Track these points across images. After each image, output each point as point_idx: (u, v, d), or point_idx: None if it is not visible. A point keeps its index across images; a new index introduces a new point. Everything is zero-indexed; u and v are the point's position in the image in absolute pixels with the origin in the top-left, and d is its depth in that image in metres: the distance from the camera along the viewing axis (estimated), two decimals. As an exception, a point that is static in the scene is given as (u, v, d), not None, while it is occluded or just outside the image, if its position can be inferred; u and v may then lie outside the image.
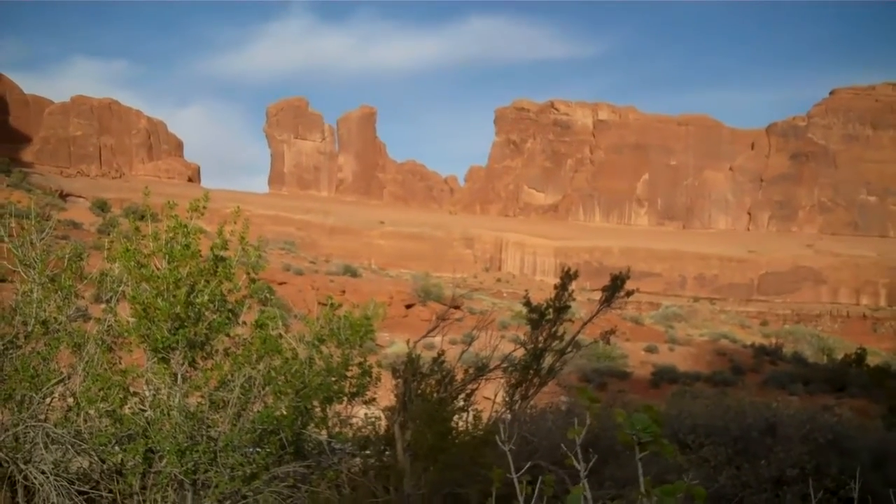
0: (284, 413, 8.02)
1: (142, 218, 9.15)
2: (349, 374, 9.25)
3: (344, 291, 56.35)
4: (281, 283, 55.53)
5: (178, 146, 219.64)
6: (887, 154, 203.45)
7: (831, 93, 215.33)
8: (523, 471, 4.00)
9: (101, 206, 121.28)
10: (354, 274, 71.66)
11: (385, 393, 10.17)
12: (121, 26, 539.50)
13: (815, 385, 42.71)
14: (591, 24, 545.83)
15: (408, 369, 9.10)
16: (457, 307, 55.91)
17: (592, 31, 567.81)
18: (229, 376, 8.04)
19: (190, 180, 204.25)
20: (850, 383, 43.63)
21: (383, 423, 9.36)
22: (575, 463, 3.58)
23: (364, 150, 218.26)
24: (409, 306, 57.28)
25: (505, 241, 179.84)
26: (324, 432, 8.91)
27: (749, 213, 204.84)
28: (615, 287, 10.65)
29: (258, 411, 7.93)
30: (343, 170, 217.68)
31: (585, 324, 10.62)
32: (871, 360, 57.55)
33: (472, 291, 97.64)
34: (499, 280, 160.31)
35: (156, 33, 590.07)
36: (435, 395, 9.17)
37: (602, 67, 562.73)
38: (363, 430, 9.33)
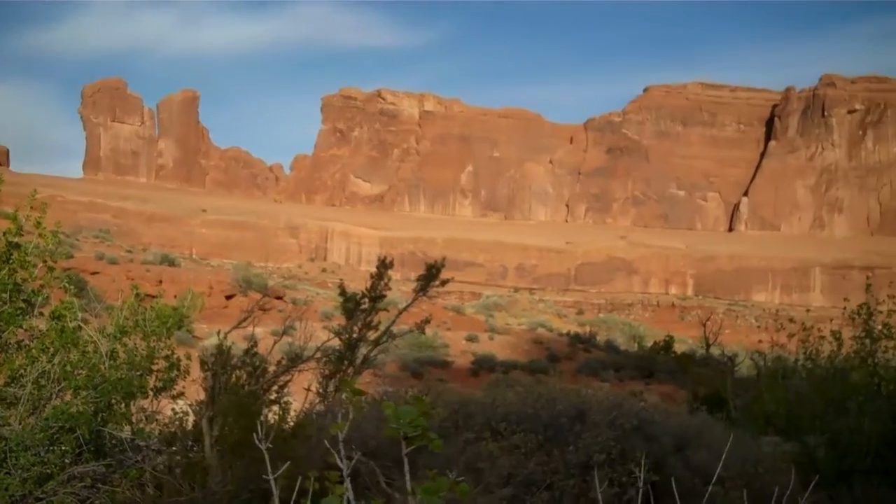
0: (81, 409, 7.61)
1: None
2: (155, 367, 8.89)
3: (161, 281, 54.59)
4: (94, 273, 53.31)
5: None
6: (696, 150, 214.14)
7: (645, 90, 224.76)
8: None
9: None
10: (173, 263, 69.46)
11: (196, 387, 9.84)
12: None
13: (625, 372, 44.41)
14: (419, 15, 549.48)
15: (217, 361, 8.81)
16: (279, 297, 55.17)
17: (420, 22, 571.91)
18: (21, 371, 7.56)
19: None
20: (659, 370, 45.58)
21: (191, 418, 9.04)
22: (337, 461, 3.46)
23: (186, 136, 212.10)
24: (229, 297, 56.03)
25: (331, 231, 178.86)
26: (127, 429, 8.52)
27: (567, 206, 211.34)
28: (430, 276, 10.68)
29: (53, 408, 7.49)
30: (163, 155, 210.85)
31: (401, 312, 10.60)
32: (679, 348, 60.31)
33: (296, 281, 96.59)
34: (324, 270, 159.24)
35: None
36: (246, 387, 8.93)
37: (429, 58, 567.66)
38: (170, 425, 8.98)
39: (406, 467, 3.37)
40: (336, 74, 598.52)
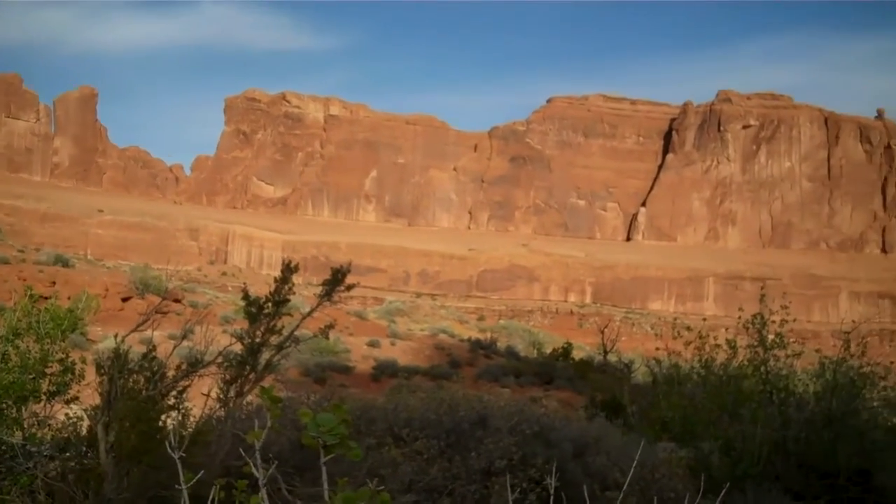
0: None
1: None
2: (49, 371, 8.62)
3: (54, 283, 52.90)
4: (-18, 273, 51.40)
5: None
6: (596, 161, 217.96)
7: (549, 101, 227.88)
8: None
9: None
10: (67, 264, 67.41)
11: (91, 391, 9.57)
12: None
13: (525, 378, 44.78)
14: (327, 18, 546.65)
15: (114, 365, 8.57)
16: (177, 300, 54.05)
17: (328, 25, 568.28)
18: None
19: None
20: (558, 376, 46.14)
21: (86, 423, 8.78)
22: (253, 470, 3.40)
23: (83, 134, 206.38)
24: (125, 299, 54.64)
25: (231, 234, 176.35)
26: (18, 434, 8.23)
27: (470, 213, 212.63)
28: (335, 281, 10.60)
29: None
30: (59, 153, 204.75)
31: (305, 317, 10.49)
32: (577, 354, 61.23)
33: (195, 285, 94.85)
34: (224, 273, 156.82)
35: None
36: (143, 392, 8.71)
37: (336, 62, 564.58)
38: (63, 431, 8.70)
39: (324, 476, 3.32)
40: (240, 76, 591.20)
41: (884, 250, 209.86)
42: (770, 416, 12.36)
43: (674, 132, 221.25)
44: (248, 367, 9.93)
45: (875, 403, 13.17)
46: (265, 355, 10.33)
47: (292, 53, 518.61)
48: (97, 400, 8.77)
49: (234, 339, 10.33)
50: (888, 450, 12.46)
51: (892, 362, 14.44)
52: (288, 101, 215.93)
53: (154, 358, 9.09)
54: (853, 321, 13.70)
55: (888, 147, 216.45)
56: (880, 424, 13.03)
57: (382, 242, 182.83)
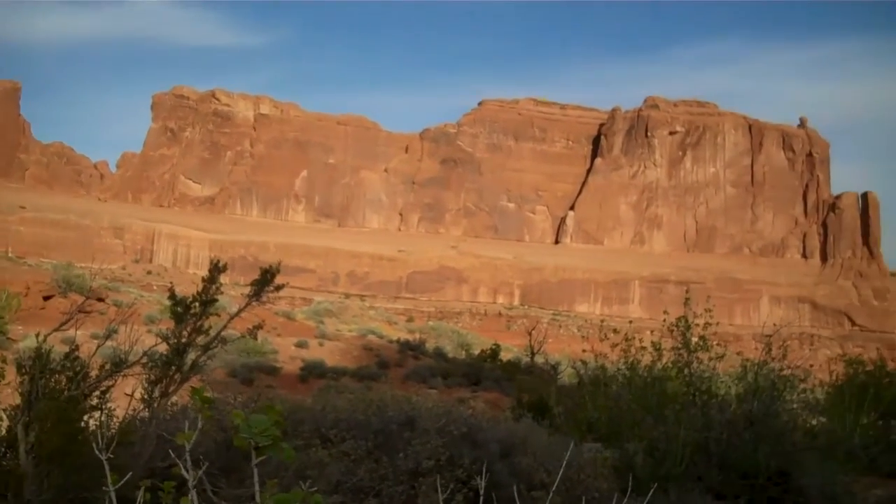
0: None
1: None
2: (-34, 370, 8.40)
3: (-28, 280, 51.51)
4: None
5: None
6: (526, 164, 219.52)
7: (480, 103, 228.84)
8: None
9: None
10: (-14, 261, 65.79)
11: (10, 391, 9.35)
12: None
13: (453, 379, 44.90)
14: (258, 15, 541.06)
15: (35, 365, 8.40)
16: (101, 299, 53.04)
17: (259, 23, 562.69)
18: None
19: None
20: (485, 377, 46.36)
21: (5, 423, 8.58)
22: (183, 471, 3.35)
23: (5, 128, 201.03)
24: (47, 298, 53.44)
25: (157, 233, 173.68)
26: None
27: (401, 214, 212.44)
28: (264, 281, 10.52)
29: None
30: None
31: (232, 318, 10.40)
32: (505, 355, 61.65)
33: (119, 284, 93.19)
34: (149, 272, 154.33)
35: None
36: (66, 392, 8.55)
37: (267, 61, 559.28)
38: (-19, 432, 8.49)
39: (256, 477, 3.29)
40: (168, 72, 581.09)
41: (804, 256, 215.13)
42: (693, 418, 12.58)
43: (602, 137, 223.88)
44: (173, 368, 9.80)
45: (795, 405, 13.49)
46: (191, 356, 10.21)
47: (222, 50, 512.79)
48: (17, 400, 8.58)
49: (159, 339, 10.19)
50: (807, 451, 12.78)
51: (811, 365, 14.81)
52: (217, 99, 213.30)
53: (77, 358, 8.93)
54: (774, 325, 14.01)
55: (810, 155, 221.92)
56: (799, 426, 13.35)
57: (312, 243, 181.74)
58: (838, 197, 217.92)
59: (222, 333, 10.58)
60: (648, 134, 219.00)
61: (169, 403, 9.83)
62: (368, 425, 10.50)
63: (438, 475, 8.75)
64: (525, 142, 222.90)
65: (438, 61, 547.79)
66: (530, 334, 55.17)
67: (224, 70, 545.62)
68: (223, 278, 10.74)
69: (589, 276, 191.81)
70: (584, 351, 15.67)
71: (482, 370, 49.02)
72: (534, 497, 9.22)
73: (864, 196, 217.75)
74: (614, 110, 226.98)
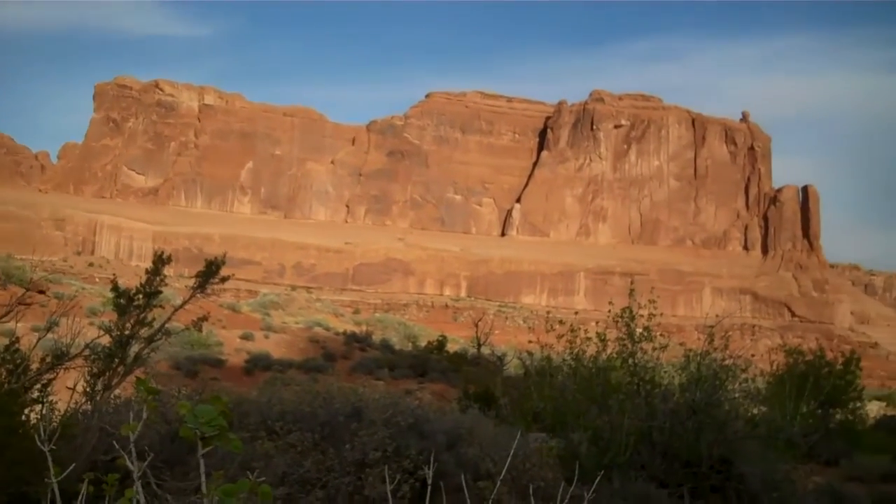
0: None
1: None
2: None
3: None
4: None
5: None
6: (473, 157, 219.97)
7: (427, 96, 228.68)
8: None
9: None
10: (-79, 253, 64.28)
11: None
12: None
13: (400, 371, 44.89)
14: (202, 6, 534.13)
15: (-26, 358, 8.25)
16: (41, 292, 52.11)
17: (203, 12, 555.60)
18: None
19: None
20: (432, 368, 46.42)
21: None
22: (128, 463, 3.31)
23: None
24: (-15, 290, 52.40)
25: (100, 224, 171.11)
26: None
27: (347, 206, 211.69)
28: (209, 273, 10.45)
29: None
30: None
31: (177, 310, 10.31)
32: (451, 347, 61.74)
33: (60, 276, 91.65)
34: (91, 264, 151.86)
35: None
36: (5, 385, 8.41)
37: (211, 51, 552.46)
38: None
39: (202, 468, 3.25)
40: (111, 62, 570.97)
41: (745, 248, 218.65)
42: (637, 407, 12.74)
43: (548, 130, 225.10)
44: (116, 360, 9.70)
45: (736, 395, 13.70)
46: (134, 348, 10.10)
47: (166, 40, 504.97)
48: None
49: (102, 332, 10.07)
50: (748, 439, 13.00)
51: (752, 355, 15.06)
52: (161, 89, 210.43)
53: (17, 350, 8.79)
54: (716, 316, 14.22)
55: (751, 148, 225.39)
56: (741, 415, 13.56)
57: (257, 235, 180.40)
58: (779, 190, 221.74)
59: (166, 325, 10.49)
60: (594, 127, 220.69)
61: (112, 396, 9.72)
62: (315, 417, 10.47)
63: (385, 466, 8.76)
64: (472, 134, 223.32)
65: (386, 53, 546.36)
66: (477, 326, 55.42)
67: (168, 60, 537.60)
68: (167, 270, 10.64)
69: (535, 267, 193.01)
70: (530, 342, 15.76)
71: (429, 362, 49.06)
72: (480, 487, 9.27)
73: (805, 189, 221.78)
74: (560, 103, 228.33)
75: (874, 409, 42.01)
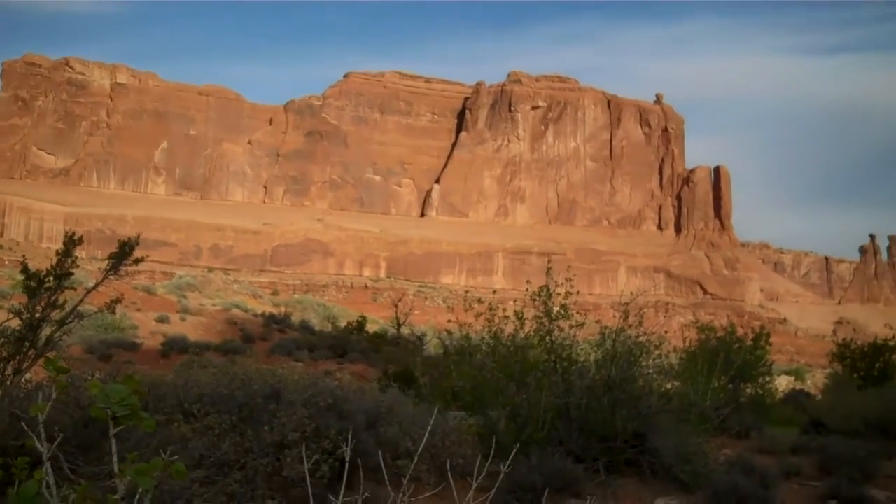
0: None
1: None
2: None
3: None
4: None
5: None
6: (392, 137, 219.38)
7: (345, 76, 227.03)
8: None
9: None
10: None
11: None
12: None
13: (319, 352, 44.76)
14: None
15: None
16: (-54, 275, 50.58)
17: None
18: None
19: None
20: (352, 349, 46.41)
21: None
22: (37, 444, 3.25)
23: None
24: None
25: (9, 206, 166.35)
26: None
27: (265, 187, 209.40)
28: (122, 254, 10.27)
29: None
30: None
31: (89, 292, 10.11)
32: (371, 328, 61.80)
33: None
34: (0, 247, 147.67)
35: None
36: None
37: (123, 29, 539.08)
38: None
39: (113, 448, 3.21)
40: (19, 39, 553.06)
41: (659, 227, 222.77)
42: (554, 384, 12.91)
43: (467, 111, 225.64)
44: (27, 344, 9.49)
45: (650, 371, 13.98)
46: (46, 331, 9.89)
47: (76, 17, 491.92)
48: None
49: (11, 315, 9.84)
50: (661, 414, 13.30)
51: (665, 332, 15.35)
52: (71, 68, 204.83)
53: (-79, 335, 8.54)
54: (631, 294, 14.45)
55: (665, 130, 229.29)
56: (654, 390, 13.84)
57: (173, 216, 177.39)
58: (692, 171, 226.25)
59: (79, 308, 10.29)
60: (512, 108, 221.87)
61: (23, 381, 9.51)
62: (233, 399, 10.40)
63: (304, 446, 8.75)
64: (391, 115, 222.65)
65: (303, 33, 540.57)
66: (396, 306, 55.38)
67: (78, 38, 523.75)
68: (79, 252, 10.43)
69: (454, 248, 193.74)
70: (449, 321, 15.84)
71: (348, 342, 49.04)
72: (399, 465, 9.33)
73: (717, 170, 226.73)
74: (479, 84, 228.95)
75: (783, 383, 43.33)
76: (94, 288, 9.86)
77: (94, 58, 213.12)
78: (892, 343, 30.54)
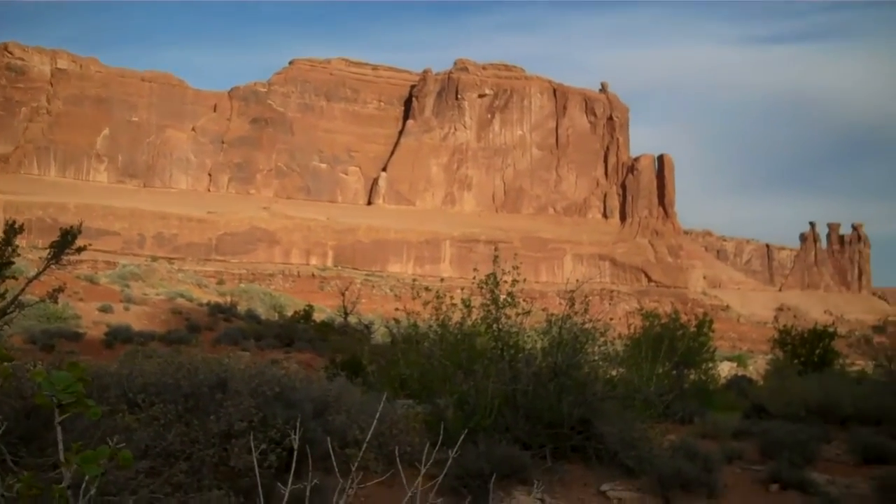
0: None
1: None
2: None
3: None
4: None
5: None
6: (338, 125, 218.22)
7: (291, 62, 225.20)
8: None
9: None
10: None
11: None
12: None
13: (266, 341, 44.54)
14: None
15: None
16: None
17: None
18: None
19: None
20: (299, 338, 46.26)
21: None
22: None
23: None
24: None
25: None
26: None
27: (210, 175, 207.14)
28: (64, 243, 10.13)
29: None
30: None
31: (30, 281, 9.96)
32: (318, 316, 61.61)
33: None
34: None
35: None
36: None
37: (64, 14, 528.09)
38: None
39: (59, 436, 3.18)
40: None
41: (605, 215, 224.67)
42: (501, 372, 13.01)
43: (414, 99, 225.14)
44: (-34, 335, 9.32)
45: (595, 357, 14.14)
46: (-14, 321, 9.73)
47: (14, 2, 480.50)
48: None
49: (-51, 305, 9.66)
50: (607, 400, 13.46)
51: (611, 319, 15.49)
52: (10, 53, 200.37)
53: None
54: (577, 281, 14.59)
55: (610, 118, 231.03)
56: (600, 377, 14.00)
57: (115, 204, 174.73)
58: (636, 159, 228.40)
59: (19, 298, 10.13)
60: (459, 96, 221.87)
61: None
62: (178, 389, 10.32)
63: (251, 436, 8.72)
64: (337, 102, 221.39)
65: (248, 18, 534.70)
66: (343, 295, 55.27)
67: (18, 23, 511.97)
68: (20, 241, 10.26)
69: (401, 236, 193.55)
70: (396, 310, 15.86)
71: (295, 331, 48.86)
72: (347, 453, 9.34)
73: (661, 158, 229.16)
74: (425, 72, 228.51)
75: (725, 369, 44.05)
76: (35, 277, 9.71)
77: (35, 43, 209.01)
78: (831, 329, 31.23)
